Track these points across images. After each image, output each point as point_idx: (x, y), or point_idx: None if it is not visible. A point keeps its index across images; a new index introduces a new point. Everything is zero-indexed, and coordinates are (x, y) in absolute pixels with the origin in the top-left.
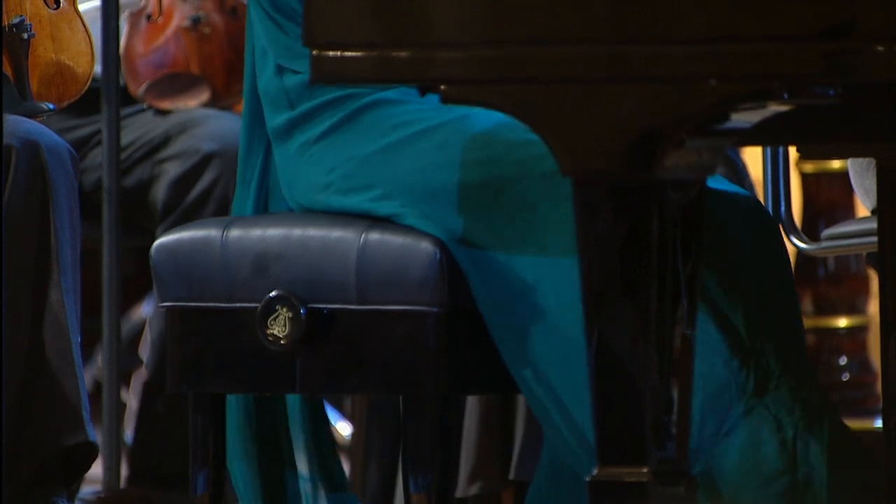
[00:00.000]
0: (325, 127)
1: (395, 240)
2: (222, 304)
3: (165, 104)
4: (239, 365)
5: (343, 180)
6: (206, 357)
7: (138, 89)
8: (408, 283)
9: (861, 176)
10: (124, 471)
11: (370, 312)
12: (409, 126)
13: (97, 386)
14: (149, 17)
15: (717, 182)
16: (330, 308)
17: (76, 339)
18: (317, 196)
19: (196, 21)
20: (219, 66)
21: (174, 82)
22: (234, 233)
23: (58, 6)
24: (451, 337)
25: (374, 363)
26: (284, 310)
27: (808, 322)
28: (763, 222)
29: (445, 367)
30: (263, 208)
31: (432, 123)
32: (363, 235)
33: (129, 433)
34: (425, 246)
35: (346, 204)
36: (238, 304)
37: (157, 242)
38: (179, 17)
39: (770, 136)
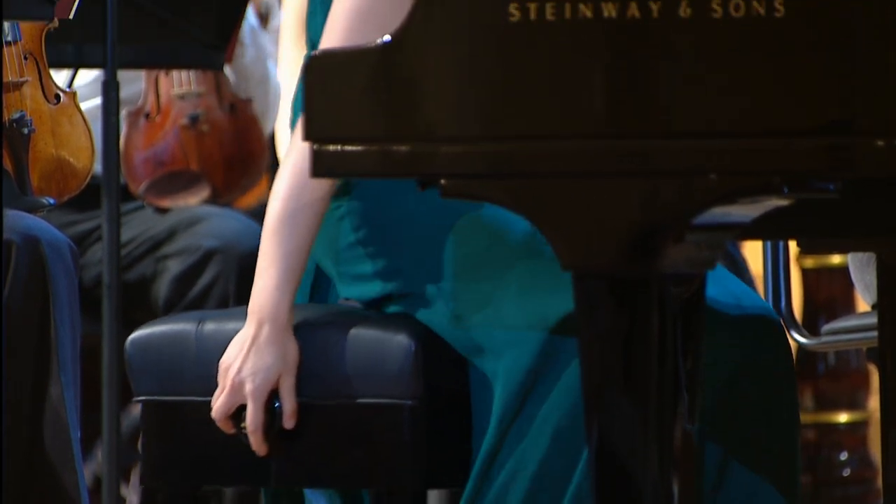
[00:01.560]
0: None
1: (369, 332)
2: (197, 398)
3: (165, 203)
4: (214, 459)
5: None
6: (181, 451)
7: (138, 188)
8: (383, 376)
9: (861, 271)
10: None
11: (345, 406)
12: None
13: (97, 481)
14: (147, 115)
15: (727, 294)
16: (305, 401)
17: (76, 434)
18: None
19: (195, 119)
20: (218, 164)
21: (174, 181)
22: (209, 326)
23: (58, 101)
24: (427, 429)
25: (350, 456)
26: None
27: (808, 417)
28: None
29: (422, 460)
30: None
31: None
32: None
33: None
34: (400, 339)
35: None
36: (213, 398)
37: (131, 337)
38: (178, 115)
39: (770, 230)
